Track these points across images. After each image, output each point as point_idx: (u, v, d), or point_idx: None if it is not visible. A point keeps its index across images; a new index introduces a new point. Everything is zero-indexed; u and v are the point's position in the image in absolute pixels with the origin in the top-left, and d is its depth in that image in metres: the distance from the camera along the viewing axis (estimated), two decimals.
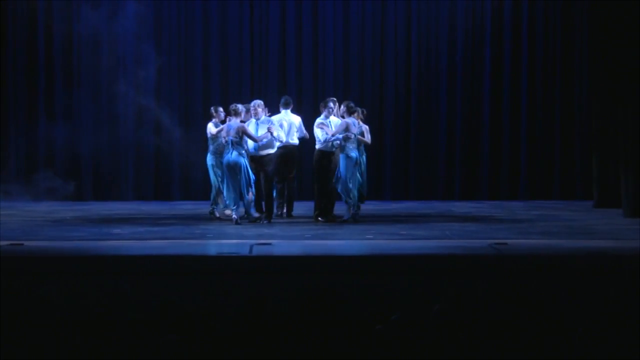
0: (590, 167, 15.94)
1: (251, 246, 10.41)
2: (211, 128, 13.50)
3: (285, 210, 13.73)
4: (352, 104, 13.08)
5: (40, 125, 17.15)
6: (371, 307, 5.95)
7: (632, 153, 13.61)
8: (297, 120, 13.53)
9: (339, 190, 12.89)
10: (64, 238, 11.62)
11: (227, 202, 12.92)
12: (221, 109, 13.57)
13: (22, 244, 10.61)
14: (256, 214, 12.99)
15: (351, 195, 12.87)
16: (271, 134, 12.86)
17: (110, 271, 9.23)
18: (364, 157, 13.46)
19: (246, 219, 12.90)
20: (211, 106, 14.00)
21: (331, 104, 13.19)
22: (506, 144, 17.62)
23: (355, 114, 13.12)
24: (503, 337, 5.05)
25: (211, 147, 13.52)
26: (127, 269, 9.40)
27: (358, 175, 13.00)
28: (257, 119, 13.08)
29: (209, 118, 13.79)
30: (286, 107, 13.51)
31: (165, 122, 16.61)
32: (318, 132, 13.13)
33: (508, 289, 6.50)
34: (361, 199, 13.22)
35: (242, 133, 12.65)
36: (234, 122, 12.75)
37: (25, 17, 17.16)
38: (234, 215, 12.78)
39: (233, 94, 16.79)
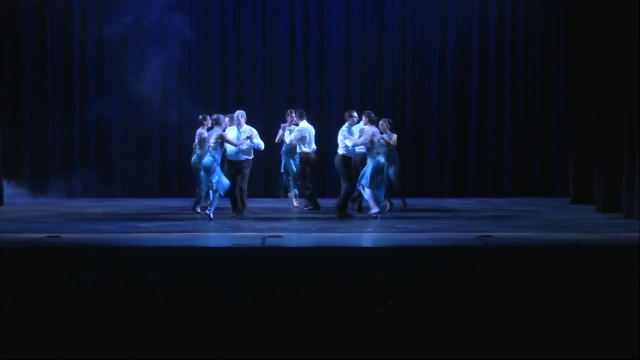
0: (566, 167, 15.92)
1: (264, 238, 10.41)
2: (202, 134, 13.35)
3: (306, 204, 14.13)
4: (373, 115, 12.79)
5: (75, 133, 17.16)
6: (372, 293, 5.94)
7: (604, 155, 13.58)
8: (312, 130, 13.74)
9: (359, 188, 12.76)
10: (96, 231, 11.62)
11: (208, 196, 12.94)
12: (209, 117, 13.30)
13: (59, 236, 10.63)
14: (199, 211, 13.11)
15: (376, 193, 12.70)
16: (251, 141, 12.83)
17: (137, 261, 9.24)
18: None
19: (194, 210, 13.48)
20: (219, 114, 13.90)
21: (355, 114, 13.20)
22: (491, 147, 17.61)
23: (385, 124, 13.14)
24: (489, 318, 5.04)
25: (198, 152, 13.39)
26: (152, 259, 9.41)
27: (381, 176, 12.79)
28: (239, 127, 13.03)
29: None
30: (302, 118, 13.68)
31: (186, 130, 16.66)
32: (347, 141, 12.94)
33: (493, 277, 6.49)
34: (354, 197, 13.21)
35: (222, 140, 12.60)
36: (216, 130, 12.68)
37: (61, 17, 17.05)
38: (207, 212, 12.65)
39: (247, 102, 16.84)
